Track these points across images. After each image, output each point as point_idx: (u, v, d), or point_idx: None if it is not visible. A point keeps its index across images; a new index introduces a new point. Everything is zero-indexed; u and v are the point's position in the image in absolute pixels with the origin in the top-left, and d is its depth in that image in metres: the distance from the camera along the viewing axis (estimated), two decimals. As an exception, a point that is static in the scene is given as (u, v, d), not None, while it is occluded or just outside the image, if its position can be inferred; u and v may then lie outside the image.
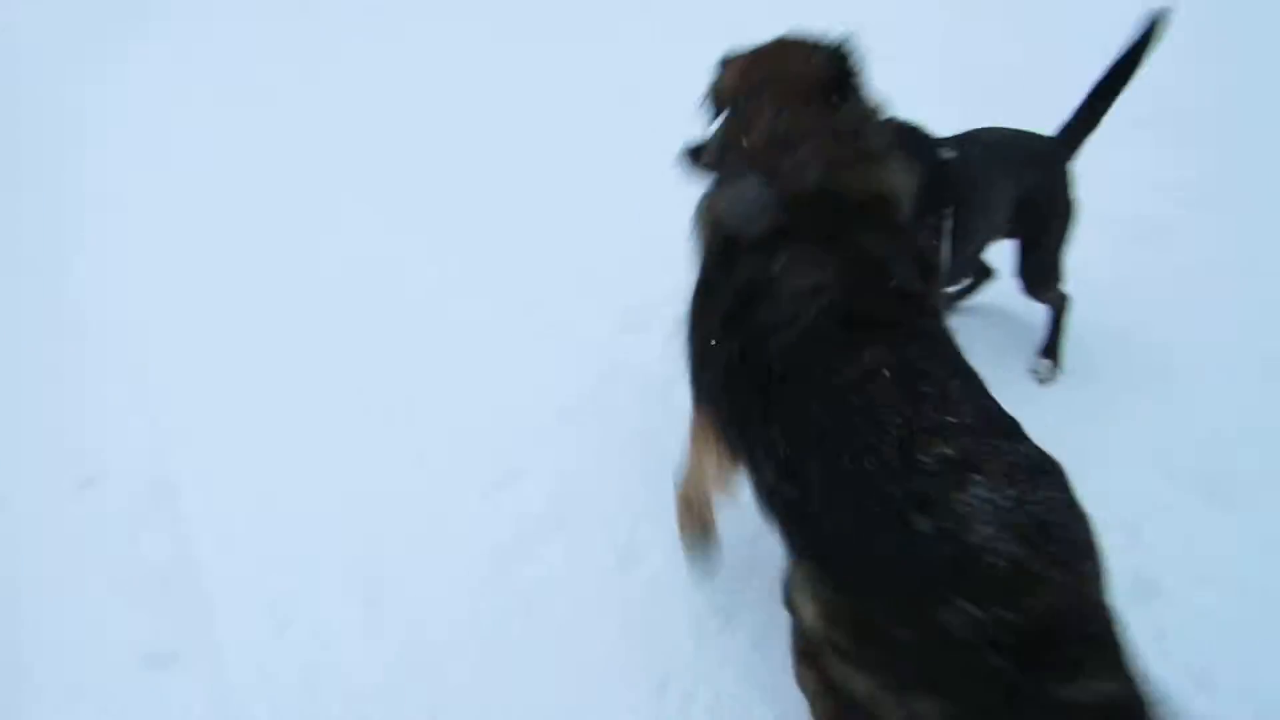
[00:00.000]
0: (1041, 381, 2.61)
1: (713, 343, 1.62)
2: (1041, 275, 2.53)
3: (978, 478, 1.24)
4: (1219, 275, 2.92)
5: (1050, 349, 2.64)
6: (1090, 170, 3.18)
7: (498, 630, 2.13)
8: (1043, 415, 2.48)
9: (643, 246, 3.18)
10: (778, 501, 1.49)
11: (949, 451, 1.28)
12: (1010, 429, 1.38)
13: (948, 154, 2.16)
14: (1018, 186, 2.33)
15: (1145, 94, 3.40)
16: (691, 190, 1.79)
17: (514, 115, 4.70)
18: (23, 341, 3.42)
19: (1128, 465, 2.33)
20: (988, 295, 2.91)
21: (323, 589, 2.29)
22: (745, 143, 1.63)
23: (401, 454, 2.60)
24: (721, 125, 1.75)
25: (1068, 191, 2.43)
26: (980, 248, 2.44)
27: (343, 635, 2.18)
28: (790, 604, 1.47)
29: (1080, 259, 2.87)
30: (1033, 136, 2.43)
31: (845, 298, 1.46)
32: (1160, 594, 2.04)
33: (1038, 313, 2.72)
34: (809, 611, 1.40)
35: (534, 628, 2.13)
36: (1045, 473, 1.30)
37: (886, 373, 1.38)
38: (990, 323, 2.88)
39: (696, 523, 2.03)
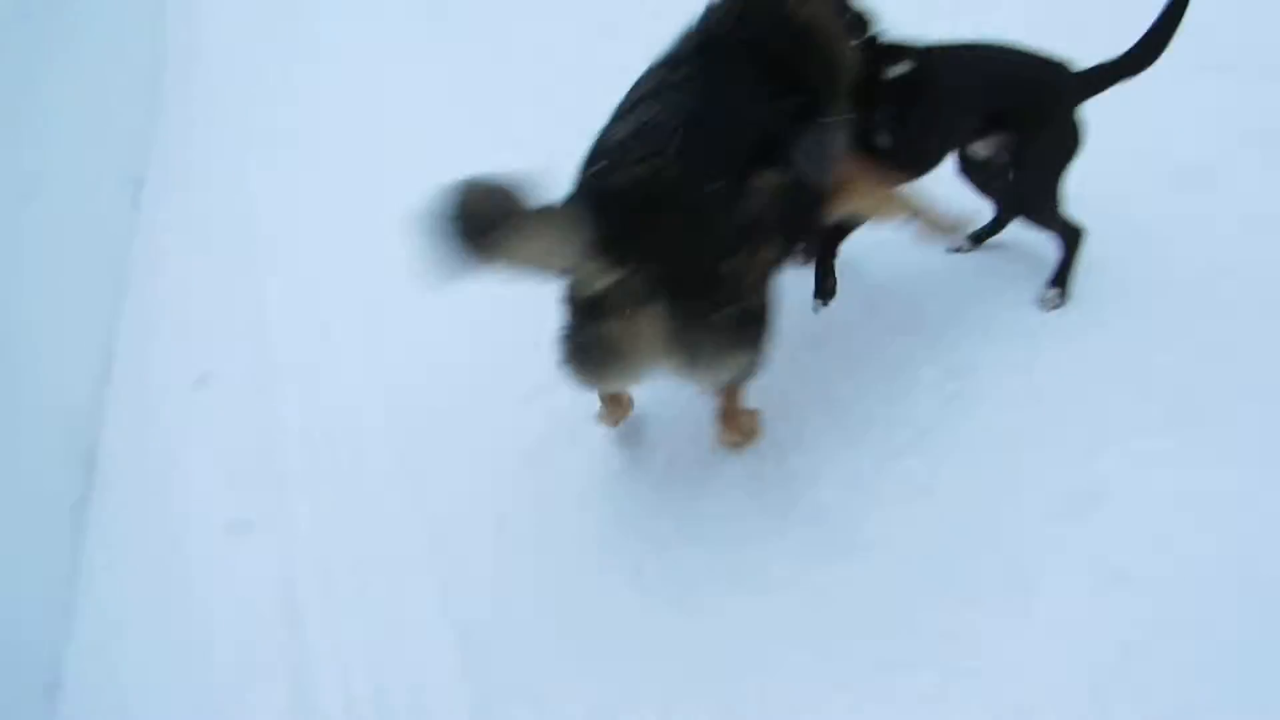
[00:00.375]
0: (1046, 309, 2.62)
1: None
2: (1023, 198, 2.58)
3: (644, 106, 1.97)
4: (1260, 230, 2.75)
5: (1058, 279, 2.63)
6: (1157, 110, 3.10)
7: (515, 517, 2.41)
8: (1041, 341, 2.54)
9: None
10: None
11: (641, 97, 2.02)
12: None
13: (898, 70, 2.35)
14: (992, 102, 2.43)
15: (1232, 34, 3.25)
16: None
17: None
18: (176, 257, 3.93)
19: (1110, 394, 2.35)
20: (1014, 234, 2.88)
21: (375, 479, 2.63)
22: None
23: (450, 377, 2.84)
24: None
25: (1063, 120, 2.45)
26: (945, 145, 2.54)
27: (386, 516, 2.51)
28: None
29: (1119, 196, 2.82)
30: (1034, 60, 2.46)
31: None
32: (1106, 505, 2.10)
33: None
34: None
35: (545, 518, 2.39)
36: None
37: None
38: (1011, 257, 2.84)
39: None
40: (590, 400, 2.45)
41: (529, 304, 3.03)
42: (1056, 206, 2.56)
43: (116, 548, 2.62)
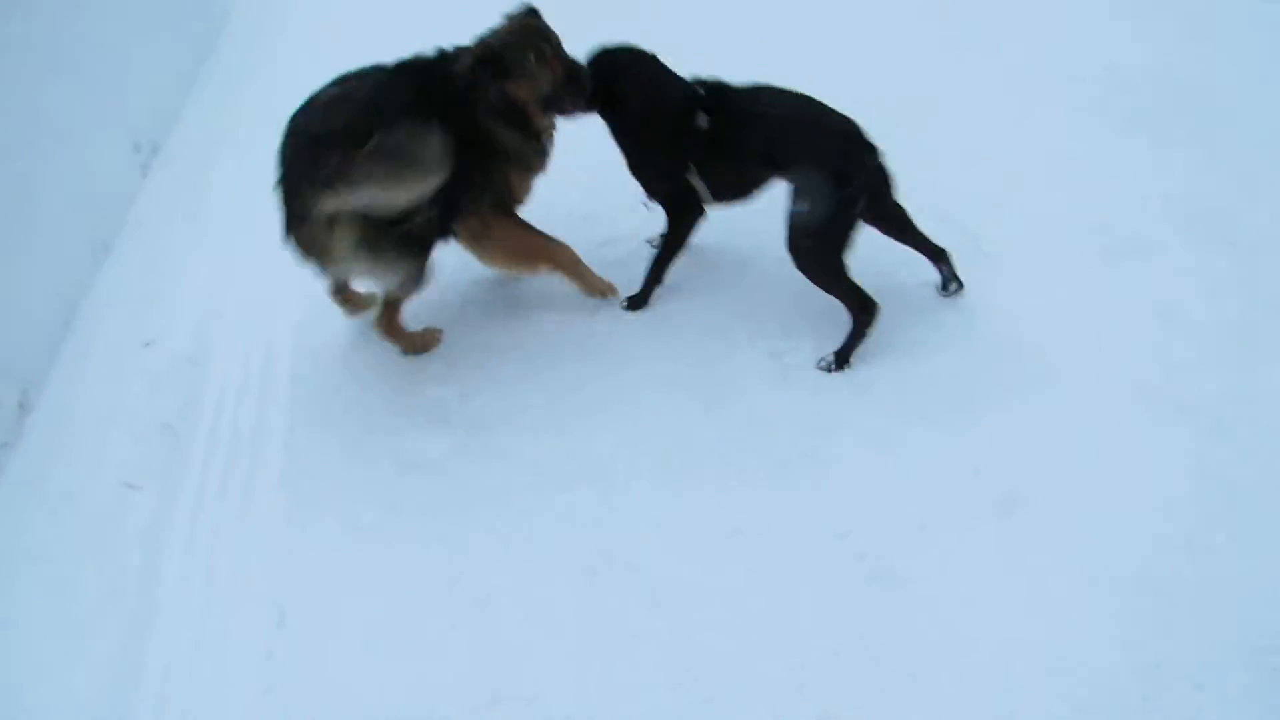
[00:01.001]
0: (819, 367, 2.77)
1: None
2: (802, 259, 2.72)
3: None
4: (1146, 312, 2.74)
5: (842, 349, 2.76)
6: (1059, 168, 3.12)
7: (371, 520, 2.56)
8: (909, 418, 2.57)
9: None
10: None
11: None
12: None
13: (701, 122, 2.79)
14: (773, 151, 2.74)
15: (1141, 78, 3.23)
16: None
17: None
18: (166, 227, 4.18)
19: (946, 480, 2.40)
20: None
21: (263, 466, 2.80)
22: None
23: (360, 378, 3.05)
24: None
25: (829, 191, 2.61)
26: (744, 178, 2.88)
27: (257, 501, 2.68)
28: None
29: (1049, 268, 2.90)
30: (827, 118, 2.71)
31: None
32: (911, 585, 2.16)
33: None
34: None
35: (401, 526, 2.52)
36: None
37: None
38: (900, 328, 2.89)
39: None
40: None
41: (451, 316, 3.23)
42: (830, 275, 2.72)
43: (24, 490, 2.83)
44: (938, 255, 2.91)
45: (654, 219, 3.29)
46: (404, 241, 2.68)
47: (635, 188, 3.11)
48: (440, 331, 3.11)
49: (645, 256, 3.26)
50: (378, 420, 2.85)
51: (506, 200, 2.99)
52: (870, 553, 2.24)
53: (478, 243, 3.00)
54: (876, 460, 2.46)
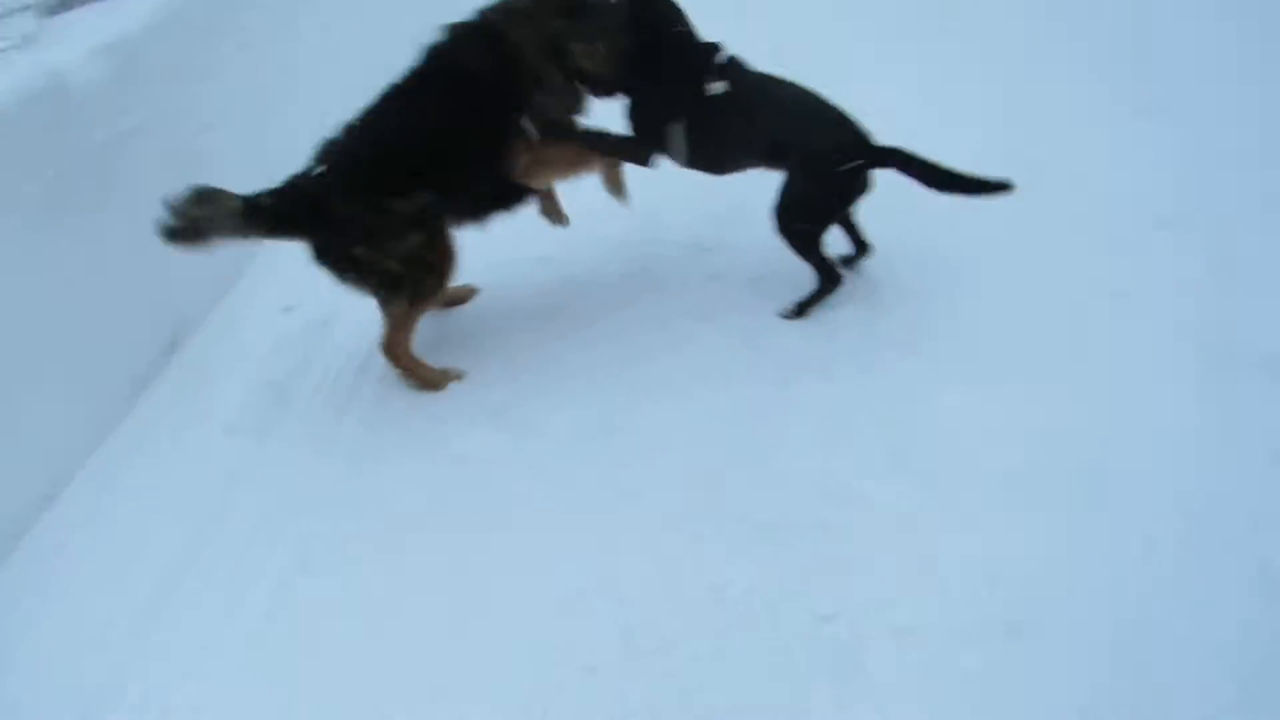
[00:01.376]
0: (781, 315, 3.10)
1: None
2: (783, 226, 2.98)
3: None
4: None
5: (802, 304, 3.09)
6: None
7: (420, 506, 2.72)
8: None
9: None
10: None
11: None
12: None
13: (716, 88, 2.92)
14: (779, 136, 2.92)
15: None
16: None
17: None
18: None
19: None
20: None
21: (350, 426, 3.09)
22: None
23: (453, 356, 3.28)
24: None
25: (821, 177, 2.89)
26: (727, 152, 3.06)
27: (323, 459, 2.94)
28: None
29: None
30: (829, 114, 2.89)
31: None
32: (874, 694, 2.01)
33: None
34: None
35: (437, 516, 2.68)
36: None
37: None
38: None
39: None
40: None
41: (531, 326, 3.35)
42: (806, 245, 2.99)
43: (145, 425, 3.25)
44: (863, 249, 3.22)
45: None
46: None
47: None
48: (461, 373, 3.19)
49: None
50: (443, 412, 3.05)
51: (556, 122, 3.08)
52: (849, 644, 2.12)
53: (537, 175, 3.14)
54: (891, 544, 2.32)
